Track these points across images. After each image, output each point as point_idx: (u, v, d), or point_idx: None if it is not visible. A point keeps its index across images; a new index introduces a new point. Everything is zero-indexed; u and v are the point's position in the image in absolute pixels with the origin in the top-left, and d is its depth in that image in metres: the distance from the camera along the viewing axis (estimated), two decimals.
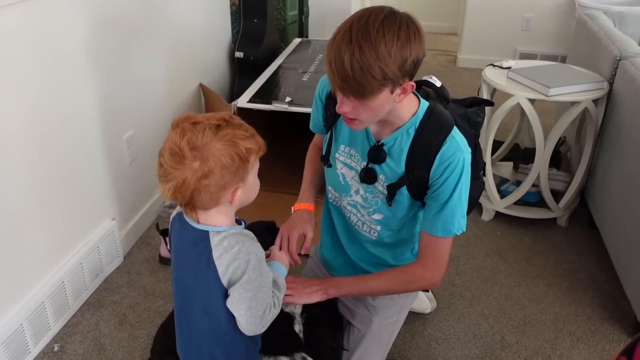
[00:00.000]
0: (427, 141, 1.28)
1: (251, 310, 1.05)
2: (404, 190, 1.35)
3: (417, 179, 1.31)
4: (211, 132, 0.99)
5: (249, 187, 1.08)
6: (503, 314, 2.01)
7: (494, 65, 2.53)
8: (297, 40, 3.55)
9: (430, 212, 1.33)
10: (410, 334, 1.91)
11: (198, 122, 1.00)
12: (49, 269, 1.88)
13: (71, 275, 1.96)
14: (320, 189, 1.63)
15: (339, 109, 1.20)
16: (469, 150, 1.30)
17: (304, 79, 2.84)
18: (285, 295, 1.24)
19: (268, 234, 1.53)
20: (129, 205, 2.33)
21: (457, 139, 1.28)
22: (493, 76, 2.42)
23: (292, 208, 1.55)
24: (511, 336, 1.91)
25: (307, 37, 3.94)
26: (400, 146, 1.32)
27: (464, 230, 1.32)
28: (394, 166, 1.34)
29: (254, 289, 1.04)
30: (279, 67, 3.04)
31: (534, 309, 2.03)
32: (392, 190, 1.35)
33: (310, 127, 1.58)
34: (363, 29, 1.09)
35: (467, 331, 1.93)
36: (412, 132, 1.30)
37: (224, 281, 1.04)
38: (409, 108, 1.30)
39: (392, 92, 1.16)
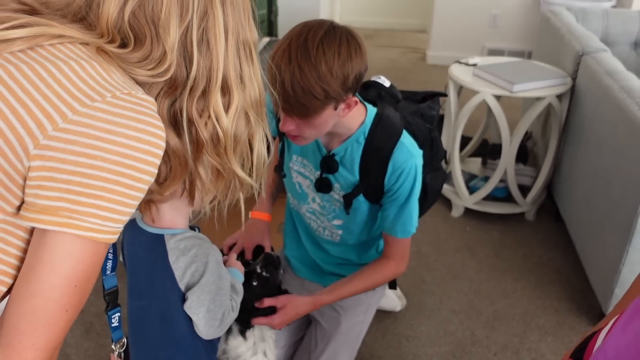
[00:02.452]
0: (377, 148, 1.28)
1: (210, 313, 1.03)
2: (360, 197, 1.35)
3: (372, 186, 1.32)
4: None
5: None
6: (473, 310, 2.02)
7: (460, 62, 2.55)
8: (265, 40, 3.52)
9: (389, 216, 1.34)
10: (381, 333, 1.91)
11: None
12: None
13: None
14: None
15: (282, 127, 1.18)
16: (419, 153, 1.31)
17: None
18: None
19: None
20: None
21: (406, 144, 1.28)
22: (459, 73, 2.43)
23: (250, 213, 1.55)
24: (481, 331, 1.93)
25: (276, 36, 3.91)
26: (351, 155, 1.31)
27: (417, 226, 1.37)
28: (348, 175, 1.34)
29: (213, 292, 1.02)
30: None
31: (503, 304, 2.05)
32: (348, 200, 1.35)
33: (271, 132, 1.57)
34: (302, 47, 1.06)
35: (438, 328, 1.94)
36: (362, 141, 1.29)
37: (182, 285, 1.02)
38: (356, 118, 1.29)
39: (335, 109, 1.15)
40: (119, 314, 0.92)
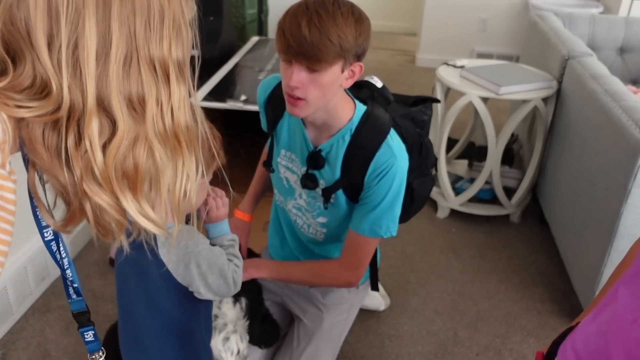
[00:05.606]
0: (361, 147, 1.28)
1: (222, 287, 1.09)
2: (340, 193, 1.34)
3: (352, 184, 1.31)
4: None
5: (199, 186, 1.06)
6: (456, 310, 2.03)
7: (448, 64, 2.56)
8: (254, 39, 3.52)
9: (360, 212, 1.33)
10: (364, 332, 1.91)
11: None
12: None
13: (14, 279, 1.88)
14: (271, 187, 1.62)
15: (289, 82, 1.15)
16: (406, 156, 1.30)
17: (260, 77, 2.81)
18: None
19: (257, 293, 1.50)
20: None
21: (392, 145, 1.27)
22: (446, 75, 2.44)
23: (234, 211, 1.56)
24: (464, 332, 1.93)
25: (266, 35, 3.91)
26: (336, 152, 1.31)
27: (393, 234, 1.33)
28: (331, 172, 1.33)
29: (216, 273, 1.06)
30: (236, 65, 3.00)
31: (486, 305, 2.06)
32: (326, 194, 1.35)
33: (262, 126, 1.57)
34: (319, 1, 1.11)
35: (421, 328, 1.94)
36: (347, 138, 1.29)
37: (177, 276, 1.03)
38: (347, 110, 1.29)
39: (342, 71, 1.16)
40: (92, 331, 0.89)
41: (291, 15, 1.12)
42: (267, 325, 1.43)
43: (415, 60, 4.76)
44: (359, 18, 1.13)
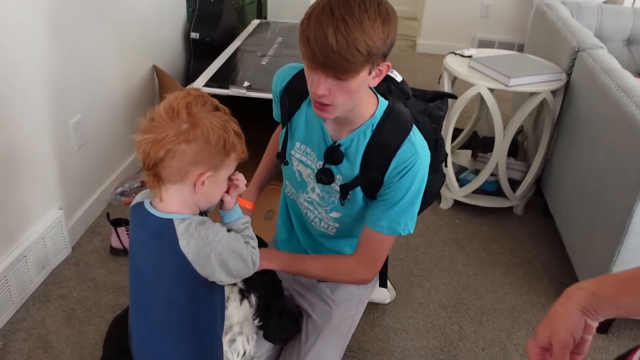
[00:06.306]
0: (383, 143, 1.24)
1: (243, 269, 1.11)
2: (358, 190, 1.31)
3: (372, 181, 1.28)
4: (210, 109, 1.00)
5: (217, 183, 1.05)
6: (461, 304, 2.02)
7: (456, 54, 2.52)
8: (255, 22, 3.45)
9: (378, 208, 1.29)
10: (370, 325, 1.90)
11: (203, 96, 1.02)
12: None
13: (14, 268, 1.84)
14: (278, 177, 1.59)
15: (315, 90, 1.12)
16: (428, 154, 1.27)
17: (262, 62, 2.75)
18: None
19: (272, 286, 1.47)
20: (77, 193, 2.21)
21: (415, 142, 1.24)
22: (454, 65, 2.40)
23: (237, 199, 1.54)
24: (469, 326, 1.92)
25: (265, 18, 3.83)
26: (356, 147, 1.27)
27: (411, 232, 1.30)
28: (349, 167, 1.30)
29: (236, 257, 1.07)
30: (237, 49, 2.94)
31: (490, 298, 2.05)
32: (344, 191, 1.31)
33: (274, 116, 1.53)
34: (344, 3, 1.04)
35: (426, 321, 1.93)
36: (369, 134, 1.25)
37: (197, 266, 1.02)
38: (370, 105, 1.25)
39: (370, 73, 1.12)
40: None
41: (315, 21, 1.04)
42: (284, 320, 1.40)
43: (416, 46, 4.70)
44: (386, 18, 1.07)
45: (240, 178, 1.14)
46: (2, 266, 1.80)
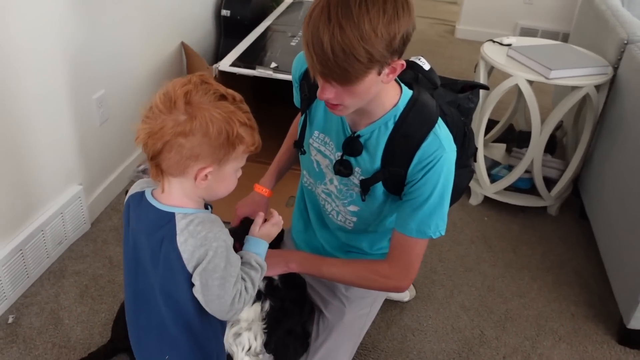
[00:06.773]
0: (406, 136, 1.15)
1: (220, 299, 0.97)
2: (379, 185, 1.23)
3: (394, 176, 1.19)
4: (214, 98, 0.92)
5: (222, 178, 0.97)
6: (484, 307, 1.92)
7: (494, 41, 2.39)
8: (288, 0, 3.36)
9: (405, 210, 1.20)
10: (386, 323, 1.83)
11: (207, 83, 0.94)
12: (5, 234, 1.75)
13: (31, 242, 1.83)
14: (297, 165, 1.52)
15: (321, 95, 1.05)
16: (454, 148, 1.18)
17: (292, 43, 2.67)
18: None
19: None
20: (98, 170, 2.19)
21: (440, 135, 1.15)
22: (492, 53, 2.27)
23: (254, 185, 1.49)
24: (491, 331, 1.83)
25: None
26: (377, 139, 1.19)
27: (442, 234, 1.21)
28: (369, 160, 1.21)
29: (222, 277, 0.96)
30: (267, 28, 2.87)
31: (516, 303, 1.95)
32: (365, 186, 1.23)
33: (295, 101, 1.45)
34: (343, 3, 0.93)
35: (446, 323, 1.85)
36: (390, 125, 1.17)
37: (189, 267, 0.96)
38: (392, 95, 1.16)
39: (379, 74, 1.02)
40: None
41: (313, 25, 0.95)
42: (291, 340, 1.33)
43: (455, 31, 4.53)
44: (394, 15, 0.95)
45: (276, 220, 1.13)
46: (19, 239, 1.79)
